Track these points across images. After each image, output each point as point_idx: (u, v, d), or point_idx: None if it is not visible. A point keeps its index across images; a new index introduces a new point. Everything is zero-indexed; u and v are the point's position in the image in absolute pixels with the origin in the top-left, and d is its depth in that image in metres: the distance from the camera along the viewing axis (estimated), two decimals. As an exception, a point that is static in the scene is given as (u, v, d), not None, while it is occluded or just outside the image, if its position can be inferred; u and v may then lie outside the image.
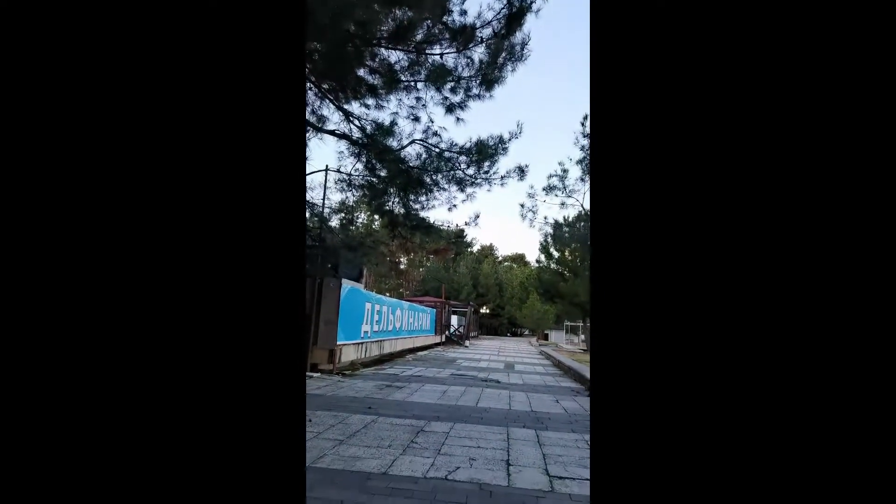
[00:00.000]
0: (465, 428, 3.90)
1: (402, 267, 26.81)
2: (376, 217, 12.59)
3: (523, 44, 4.54)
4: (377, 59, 4.50)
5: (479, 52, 4.63)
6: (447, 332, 19.25)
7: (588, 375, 7.09)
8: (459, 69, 4.59)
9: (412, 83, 4.57)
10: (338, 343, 7.29)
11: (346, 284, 7.66)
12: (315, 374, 6.81)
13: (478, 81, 4.66)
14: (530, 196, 7.69)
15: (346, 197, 5.81)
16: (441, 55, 4.53)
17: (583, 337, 21.68)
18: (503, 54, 4.53)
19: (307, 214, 6.80)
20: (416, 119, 4.88)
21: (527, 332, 38.16)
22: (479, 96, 4.82)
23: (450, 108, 4.77)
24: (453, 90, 4.71)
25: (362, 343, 8.70)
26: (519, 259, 48.79)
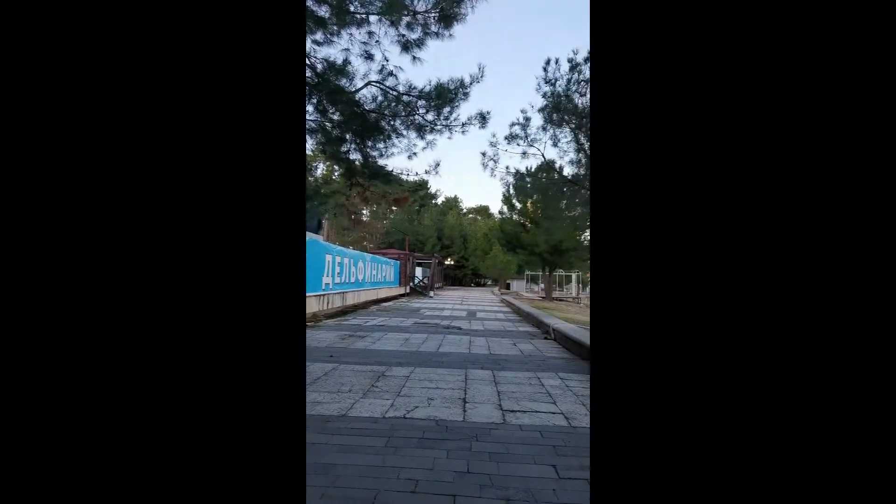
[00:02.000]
0: (425, 371, 4.04)
1: (364, 219, 26.35)
2: (336, 168, 12.10)
3: (484, -24, 4.25)
4: (325, -12, 4.09)
5: (437, -15, 4.30)
6: (411, 284, 19.47)
7: (544, 320, 7.45)
8: (415, 2, 4.27)
9: (364, 16, 4.22)
10: (298, 295, 7.20)
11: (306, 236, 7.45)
12: (276, 327, 6.75)
13: (436, 17, 4.37)
14: (492, 145, 7.56)
15: (299, 143, 5.48)
16: (395, -15, 4.18)
17: (542, 285, 22.59)
18: (462, -12, 4.24)
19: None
20: (370, 57, 4.56)
21: (490, 283, 39.27)
22: (437, 34, 4.54)
23: (406, 46, 4.47)
24: (409, 26, 4.40)
25: (324, 295, 8.65)
26: (483, 211, 49.08)
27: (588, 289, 26.27)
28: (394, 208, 32.40)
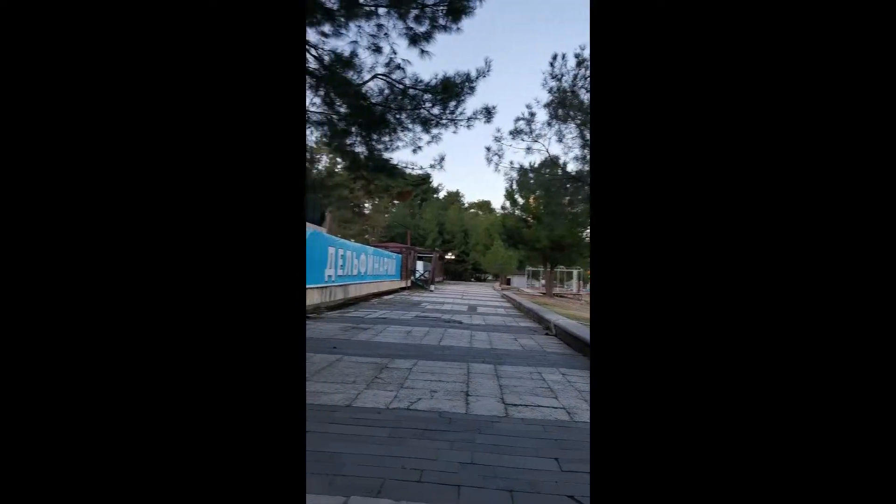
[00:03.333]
0: (427, 364, 4.08)
1: (366, 212, 26.37)
2: (339, 160, 12.09)
3: (493, -30, 4.21)
4: (334, -21, 4.07)
5: (445, -23, 4.28)
6: (412, 277, 19.51)
7: (545, 316, 7.48)
8: (424, -5, 4.25)
9: (373, 8, 4.20)
10: (301, 287, 7.22)
11: (309, 228, 7.47)
12: (278, 318, 6.78)
13: (444, 10, 4.35)
14: (497, 139, 7.53)
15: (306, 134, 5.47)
16: (404, -23, 4.16)
17: (543, 282, 22.62)
18: (471, -19, 4.21)
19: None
20: (378, 50, 4.54)
21: (490, 278, 39.30)
22: (445, 27, 4.52)
23: (414, 39, 4.45)
24: (418, 19, 4.38)
25: (326, 287, 8.68)
26: (485, 206, 49.00)
27: (589, 286, 26.28)
28: (395, 202, 32.36)
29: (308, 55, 4.73)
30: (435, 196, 41.54)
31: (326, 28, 4.47)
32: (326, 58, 4.66)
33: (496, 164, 7.68)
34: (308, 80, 4.76)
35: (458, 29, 4.61)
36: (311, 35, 4.66)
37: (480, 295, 17.51)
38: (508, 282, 30.61)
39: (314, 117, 5.00)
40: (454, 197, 47.36)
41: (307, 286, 7.56)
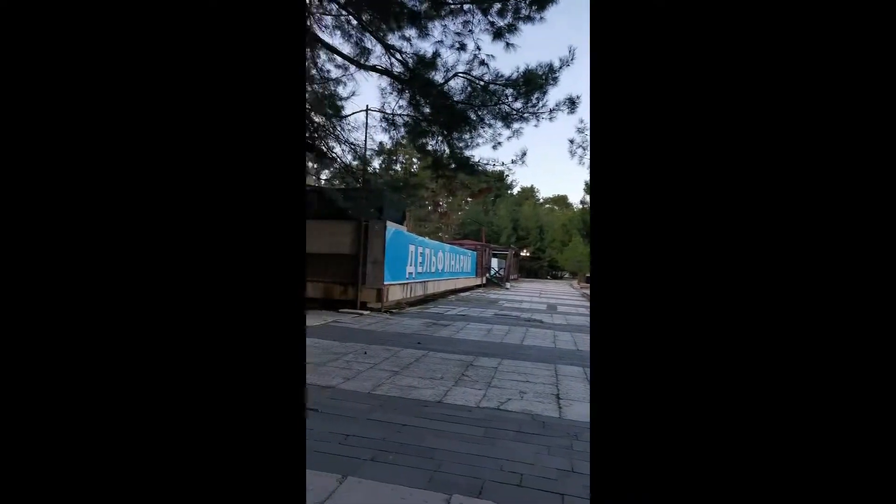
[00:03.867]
0: (512, 363, 4.01)
1: (441, 209, 26.85)
2: (415, 159, 12.44)
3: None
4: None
5: (529, -35, 4.15)
6: (488, 275, 19.47)
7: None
8: (508, -13, 4.16)
9: (458, 5, 4.20)
10: (385, 283, 7.56)
11: (391, 227, 7.77)
12: (364, 312, 7.16)
13: (528, 0, 4.22)
14: (580, 131, 7.14)
15: (391, 136, 5.67)
16: (488, -30, 4.10)
17: (626, 280, 21.26)
18: (557, -34, 4.03)
19: (350, 158, 6.77)
20: (462, 47, 4.54)
21: (566, 276, 37.91)
22: (529, 18, 4.38)
23: (498, 33, 4.38)
24: (500, 12, 4.30)
25: (407, 283, 8.97)
26: (561, 201, 47.35)
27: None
28: (469, 199, 32.50)
29: (393, 59, 4.89)
30: (509, 192, 41.03)
31: (411, 31, 4.58)
32: (410, 61, 4.78)
33: (580, 157, 7.28)
34: (394, 83, 4.92)
35: (542, 18, 4.46)
36: (395, 40, 4.80)
37: (558, 293, 16.95)
38: (588, 280, 29.27)
39: (399, 119, 5.16)
40: (529, 192, 46.38)
41: (392, 282, 7.88)
